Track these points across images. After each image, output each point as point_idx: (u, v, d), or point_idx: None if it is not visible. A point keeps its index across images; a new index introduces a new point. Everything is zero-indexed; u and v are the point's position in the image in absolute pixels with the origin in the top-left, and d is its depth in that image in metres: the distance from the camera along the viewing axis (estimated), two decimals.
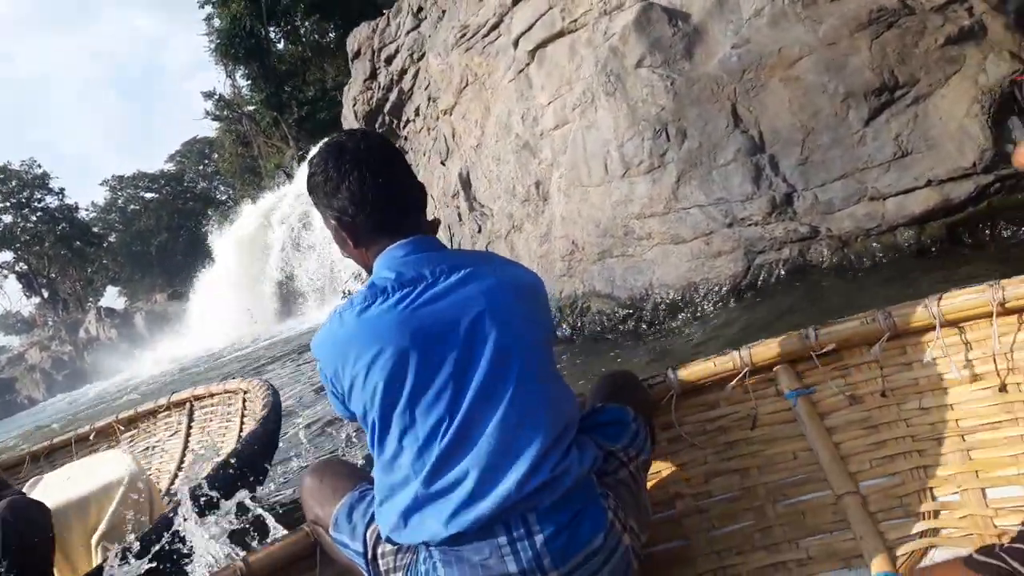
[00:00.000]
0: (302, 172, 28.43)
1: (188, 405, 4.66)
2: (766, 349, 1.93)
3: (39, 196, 44.68)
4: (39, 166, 44.58)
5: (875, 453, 1.80)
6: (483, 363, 1.38)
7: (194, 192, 56.32)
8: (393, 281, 1.42)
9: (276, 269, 25.24)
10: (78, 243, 45.81)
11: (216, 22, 33.72)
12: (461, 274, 1.43)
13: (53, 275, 46.07)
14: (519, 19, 6.56)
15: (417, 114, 10.39)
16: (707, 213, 5.05)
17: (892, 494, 1.75)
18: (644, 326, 5.25)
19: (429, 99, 9.96)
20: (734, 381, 1.96)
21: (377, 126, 11.25)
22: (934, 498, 1.70)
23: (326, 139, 1.61)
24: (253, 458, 3.22)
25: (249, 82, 35.41)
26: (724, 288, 4.94)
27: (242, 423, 4.11)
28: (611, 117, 5.53)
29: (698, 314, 5.02)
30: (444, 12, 7.80)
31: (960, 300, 1.69)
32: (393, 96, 10.71)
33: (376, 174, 1.47)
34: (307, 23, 34.20)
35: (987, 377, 1.69)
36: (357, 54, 11.21)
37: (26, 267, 44.20)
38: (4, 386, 37.66)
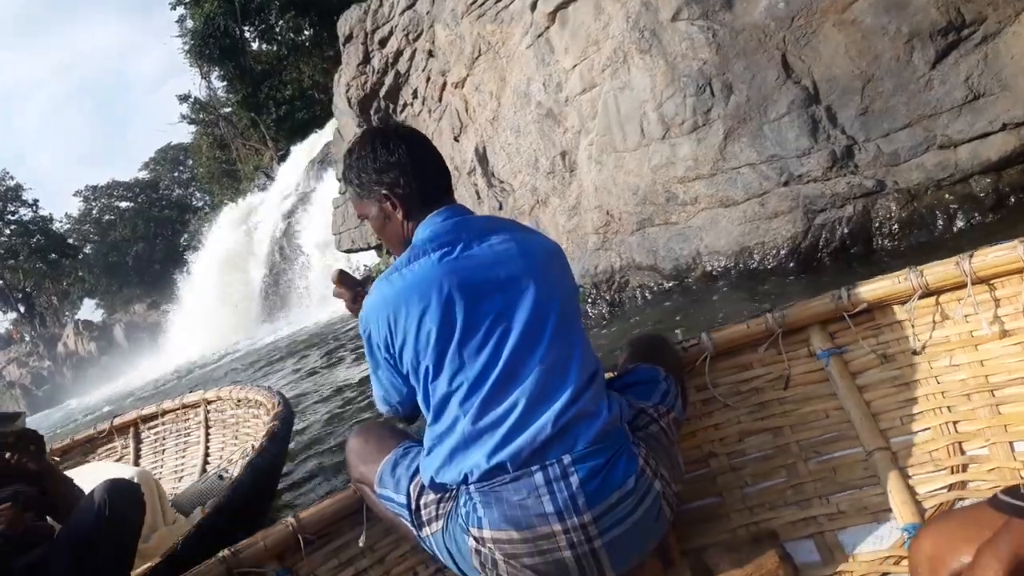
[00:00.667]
0: (283, 173, 27.91)
1: (201, 408, 4.35)
2: (799, 311, 1.95)
3: (12, 208, 43.51)
4: (11, 178, 43.53)
5: (905, 410, 1.82)
6: (523, 312, 1.48)
7: (170, 199, 55.29)
8: (432, 242, 1.52)
9: (258, 273, 24.66)
10: (53, 255, 44.70)
11: (189, 23, 33.01)
12: (495, 236, 1.54)
13: (29, 289, 44.90)
14: None
15: (415, 96, 9.95)
16: (760, 172, 4.68)
17: (922, 449, 1.77)
18: (693, 296, 4.87)
19: (428, 79, 9.52)
20: (767, 343, 1.99)
21: (372, 112, 10.80)
22: (963, 452, 1.72)
23: (361, 130, 1.79)
24: (258, 489, 3.11)
25: (225, 83, 34.73)
26: (782, 251, 4.57)
27: (253, 439, 3.79)
28: (647, 76, 5.15)
29: (754, 281, 4.65)
30: None
31: (991, 257, 1.69)
32: (389, 79, 10.26)
33: (421, 150, 1.61)
34: (282, 21, 33.51)
35: (1017, 333, 1.70)
36: (348, 38, 10.74)
37: (1, 281, 43.04)
38: None
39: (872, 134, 4.47)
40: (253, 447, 3.37)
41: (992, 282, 1.73)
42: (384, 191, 1.60)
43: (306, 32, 34.94)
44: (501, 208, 6.24)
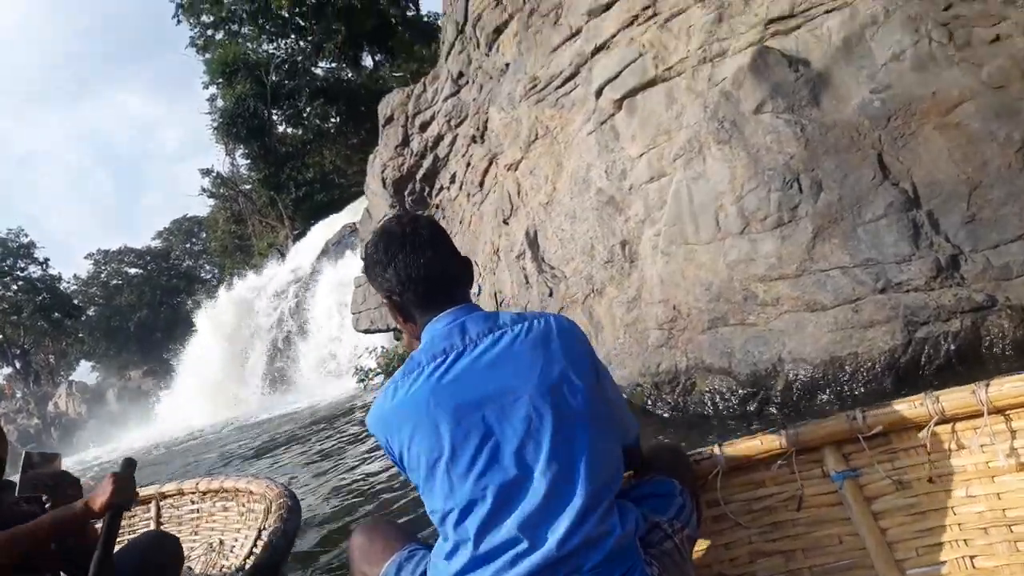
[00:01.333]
0: (295, 252, 27.76)
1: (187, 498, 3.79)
2: (813, 429, 1.92)
3: (22, 265, 43.14)
4: (26, 235, 43.32)
5: (922, 541, 1.78)
6: (516, 426, 1.40)
7: (179, 270, 55.27)
8: (428, 353, 1.50)
9: (262, 347, 24.08)
10: (57, 314, 44.04)
11: (220, 102, 33.59)
12: (493, 336, 1.48)
13: (27, 346, 44.03)
14: (601, 68, 5.93)
15: (452, 181, 9.72)
16: (852, 276, 4.26)
17: None
18: (773, 408, 4.37)
19: (469, 165, 9.31)
20: (780, 460, 1.95)
21: (407, 194, 10.55)
22: None
23: (381, 223, 1.73)
24: None
25: (248, 161, 35.07)
26: (878, 364, 4.09)
27: (254, 541, 3.22)
28: (725, 167, 4.80)
29: (844, 395, 4.15)
30: (507, 65, 7.19)
31: (1007, 387, 1.67)
32: (427, 163, 10.05)
33: (420, 255, 1.56)
34: (310, 107, 34.12)
35: None
36: (389, 120, 10.61)
37: (0, 336, 42.27)
38: None
39: (980, 244, 4.07)
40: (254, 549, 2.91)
41: (1009, 413, 1.69)
42: (384, 296, 1.63)
43: (332, 119, 35.60)
44: (551, 295, 5.80)
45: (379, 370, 12.02)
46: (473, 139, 8.94)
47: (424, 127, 10.08)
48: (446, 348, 1.48)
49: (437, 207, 10.13)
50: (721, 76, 5.10)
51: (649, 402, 4.92)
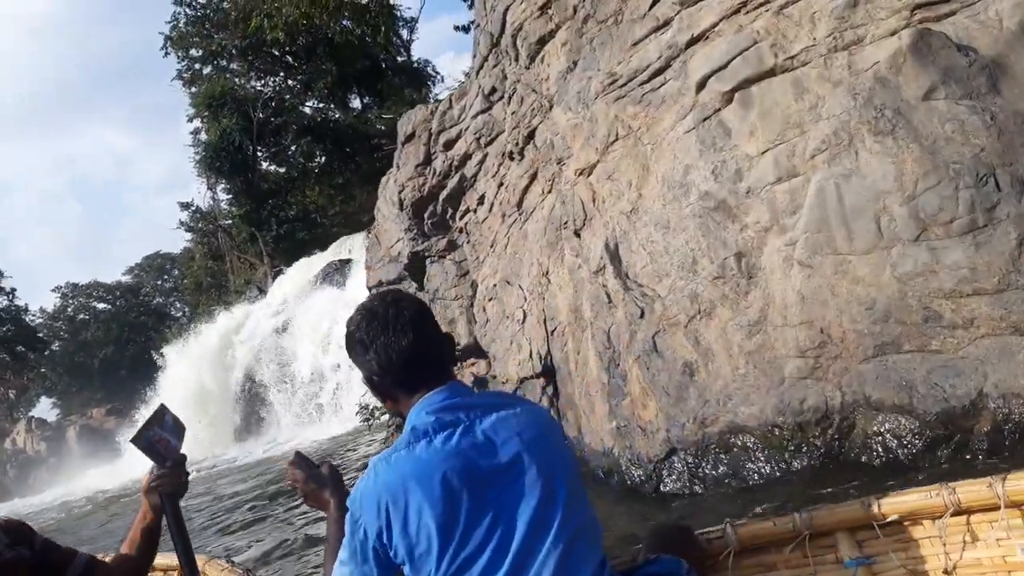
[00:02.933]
0: (275, 288, 26.40)
1: None
2: (827, 514, 1.87)
3: None
4: None
5: None
6: (531, 494, 1.39)
7: (148, 307, 53.09)
8: (434, 423, 1.45)
9: (236, 388, 22.52)
10: (21, 347, 41.63)
11: (204, 135, 32.40)
12: (494, 416, 1.47)
13: None
14: (702, 59, 5.05)
15: (481, 202, 8.74)
16: None
17: None
18: (976, 454, 3.37)
19: (502, 184, 8.35)
20: (793, 544, 1.88)
21: (427, 216, 9.53)
22: None
23: (363, 301, 1.65)
24: None
25: (230, 196, 33.83)
26: None
27: None
28: (888, 162, 3.89)
29: None
30: (575, 63, 6.29)
31: None
32: (452, 183, 9.07)
33: (403, 337, 1.51)
34: (296, 145, 33.10)
35: None
36: (410, 137, 9.64)
37: None
38: None
39: None
40: None
41: None
42: (364, 376, 1.59)
43: (318, 159, 34.60)
44: (643, 316, 4.79)
45: (385, 409, 10.81)
46: (510, 156, 8.00)
47: (449, 145, 9.13)
48: (453, 421, 1.44)
49: (461, 231, 9.12)
50: (866, 63, 4.23)
51: (791, 448, 3.89)
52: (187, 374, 24.15)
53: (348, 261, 23.04)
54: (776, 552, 1.91)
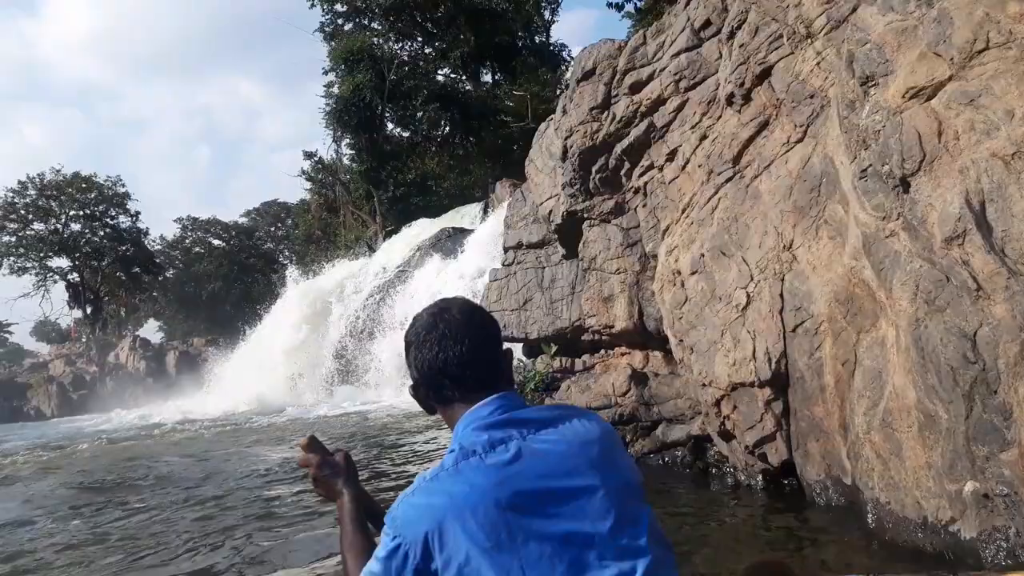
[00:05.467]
0: (386, 248, 25.20)
1: None
2: None
3: (114, 213, 41.26)
4: (123, 185, 41.33)
5: None
6: (608, 516, 1.20)
7: (260, 250, 53.59)
8: (485, 443, 1.26)
9: (332, 342, 21.31)
10: (137, 268, 42.17)
11: (336, 89, 31.57)
12: (549, 431, 1.29)
13: (102, 293, 42.28)
14: None
15: (671, 158, 6.82)
16: None
17: None
18: None
19: (704, 137, 6.41)
20: None
21: (595, 170, 7.68)
22: None
23: (430, 305, 1.45)
24: None
25: (352, 152, 32.92)
26: None
27: None
28: None
29: None
30: None
31: None
32: (636, 132, 7.18)
33: (459, 345, 1.35)
34: (424, 111, 31.89)
35: None
36: (588, 75, 7.78)
37: (78, 278, 40.46)
38: (17, 391, 33.02)
39: None
40: None
41: None
42: (414, 379, 1.42)
43: (442, 127, 33.33)
44: None
45: None
46: (728, 100, 6.04)
47: (637, 88, 7.23)
48: (504, 438, 1.25)
49: (638, 191, 7.22)
50: None
51: None
52: (283, 323, 23.22)
53: (462, 230, 21.61)
54: None
